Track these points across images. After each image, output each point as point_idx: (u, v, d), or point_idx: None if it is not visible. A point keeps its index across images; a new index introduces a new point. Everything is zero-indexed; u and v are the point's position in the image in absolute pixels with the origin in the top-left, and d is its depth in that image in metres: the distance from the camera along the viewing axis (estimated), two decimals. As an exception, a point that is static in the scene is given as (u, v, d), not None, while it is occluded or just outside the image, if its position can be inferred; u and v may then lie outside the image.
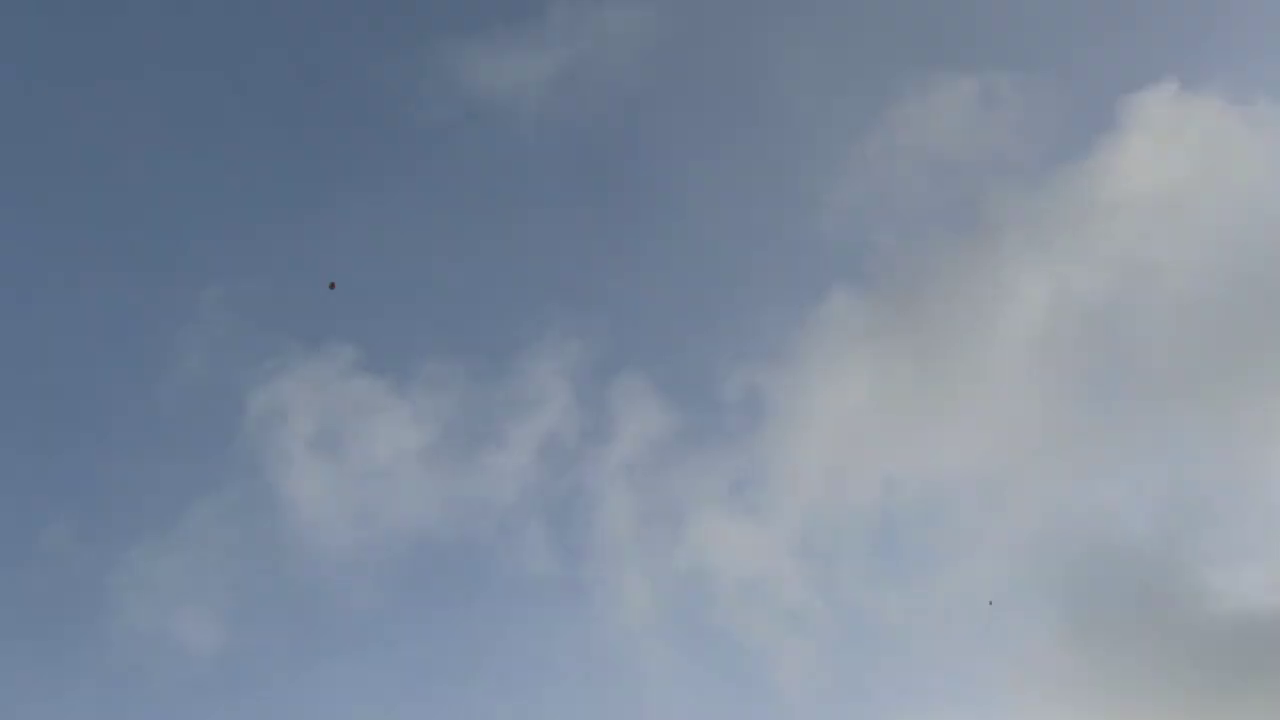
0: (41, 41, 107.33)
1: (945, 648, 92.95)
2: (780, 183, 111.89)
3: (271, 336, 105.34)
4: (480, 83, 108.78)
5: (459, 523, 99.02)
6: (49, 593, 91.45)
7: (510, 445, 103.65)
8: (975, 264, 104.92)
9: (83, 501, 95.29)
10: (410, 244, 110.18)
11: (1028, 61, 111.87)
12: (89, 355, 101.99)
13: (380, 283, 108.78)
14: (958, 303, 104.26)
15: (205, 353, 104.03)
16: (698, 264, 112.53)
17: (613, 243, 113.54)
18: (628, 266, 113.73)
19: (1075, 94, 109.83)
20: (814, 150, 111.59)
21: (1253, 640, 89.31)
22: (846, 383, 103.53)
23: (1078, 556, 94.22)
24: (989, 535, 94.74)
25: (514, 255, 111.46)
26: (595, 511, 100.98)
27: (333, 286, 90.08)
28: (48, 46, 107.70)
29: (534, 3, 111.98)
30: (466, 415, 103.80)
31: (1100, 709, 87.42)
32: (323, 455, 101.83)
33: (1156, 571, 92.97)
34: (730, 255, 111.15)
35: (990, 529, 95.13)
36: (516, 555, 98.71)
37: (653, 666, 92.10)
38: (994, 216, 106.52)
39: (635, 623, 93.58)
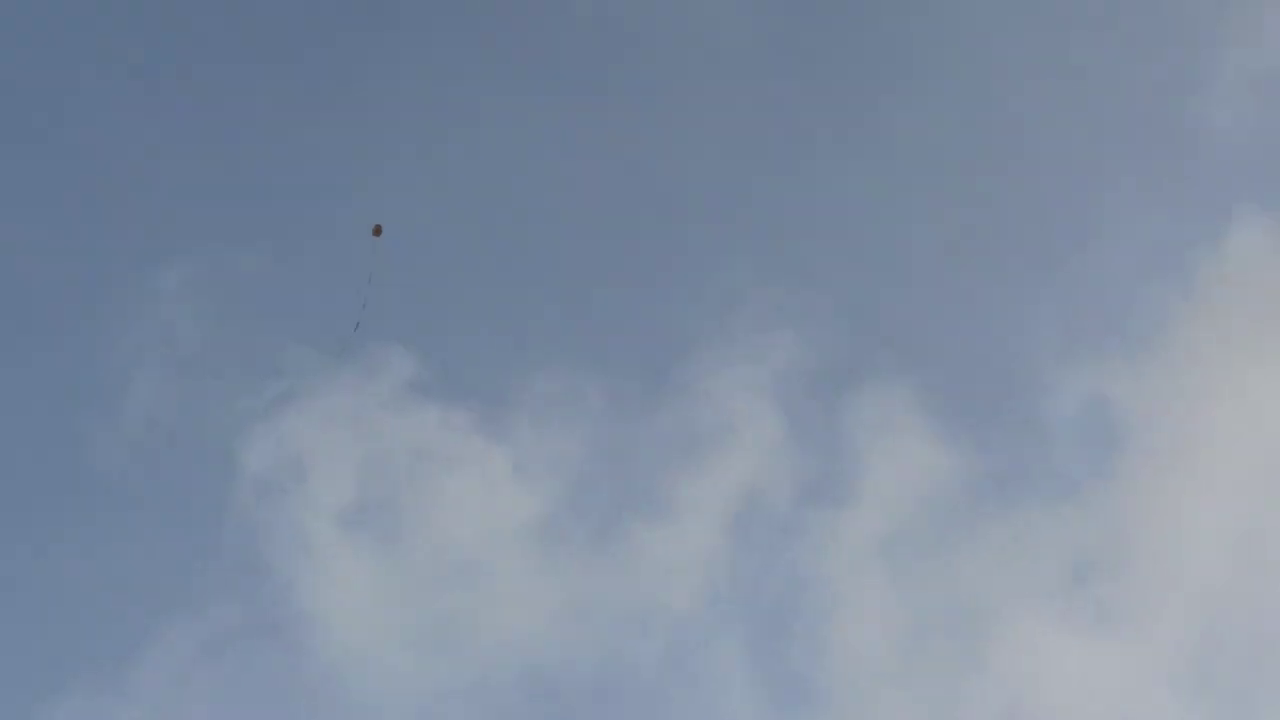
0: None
1: None
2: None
3: (272, 339, 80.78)
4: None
5: (597, 648, 73.87)
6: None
7: (681, 513, 77.33)
8: None
9: None
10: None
11: None
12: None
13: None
14: None
15: (168, 369, 79.55)
16: (984, 188, 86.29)
17: (832, 164, 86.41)
18: (861, 210, 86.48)
19: None
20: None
21: None
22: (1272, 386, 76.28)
23: None
24: None
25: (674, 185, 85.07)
26: (829, 619, 75.53)
27: (378, 232, 66.43)
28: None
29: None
30: (604, 465, 78.35)
31: None
32: (365, 538, 76.73)
33: None
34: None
35: None
36: (698, 698, 73.20)
37: None
38: None
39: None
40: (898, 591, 77.27)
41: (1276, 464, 76.92)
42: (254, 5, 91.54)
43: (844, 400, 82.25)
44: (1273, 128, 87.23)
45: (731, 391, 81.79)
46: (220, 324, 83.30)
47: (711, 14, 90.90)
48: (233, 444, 78.65)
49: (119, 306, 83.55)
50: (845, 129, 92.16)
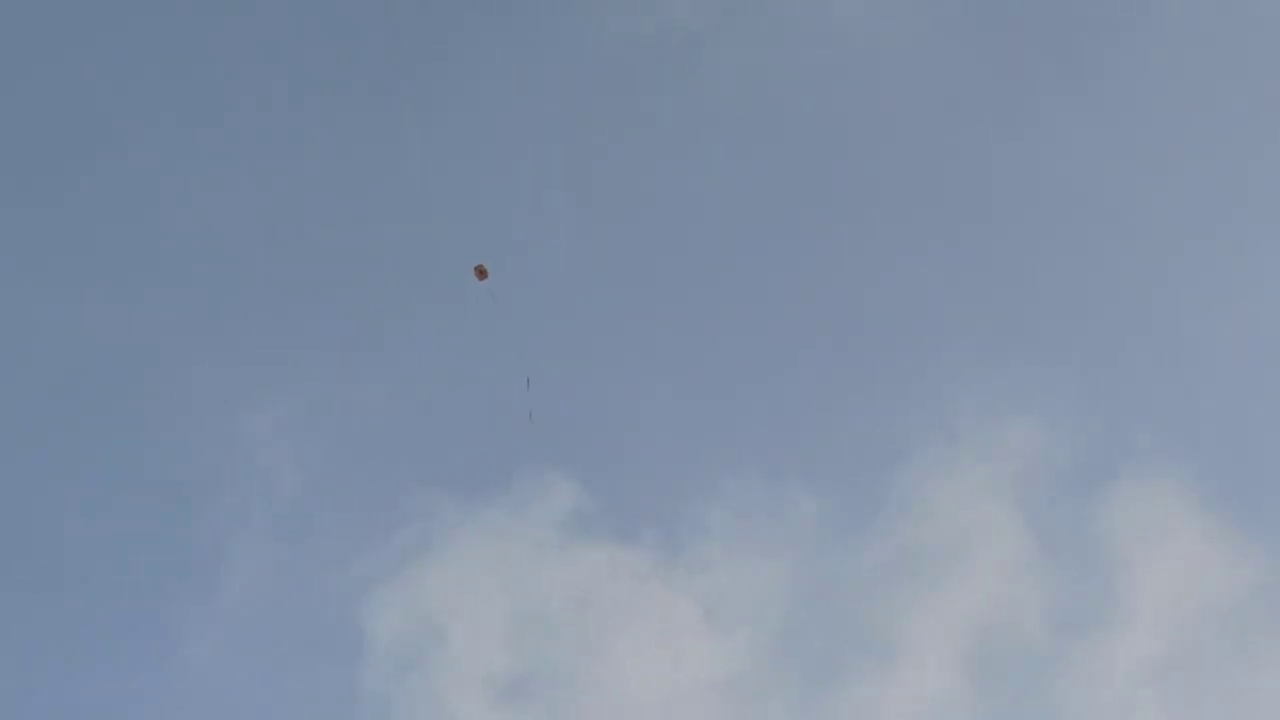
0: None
1: None
2: None
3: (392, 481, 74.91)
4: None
5: None
6: None
7: (910, 654, 70.35)
8: None
9: None
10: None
11: None
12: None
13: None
14: None
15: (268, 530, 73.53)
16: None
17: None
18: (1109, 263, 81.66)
19: None
20: None
21: None
22: None
23: None
24: None
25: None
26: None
27: (483, 275, 63.06)
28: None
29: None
30: (813, 602, 72.30)
31: None
32: (524, 712, 69.97)
33: None
34: None
35: None
36: None
37: None
38: None
39: None
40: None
41: None
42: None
43: (1102, 500, 74.82)
44: None
45: (962, 499, 75.09)
46: (326, 470, 77.82)
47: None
48: (354, 613, 71.48)
49: (205, 467, 77.27)
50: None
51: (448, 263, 75.65)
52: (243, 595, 73.59)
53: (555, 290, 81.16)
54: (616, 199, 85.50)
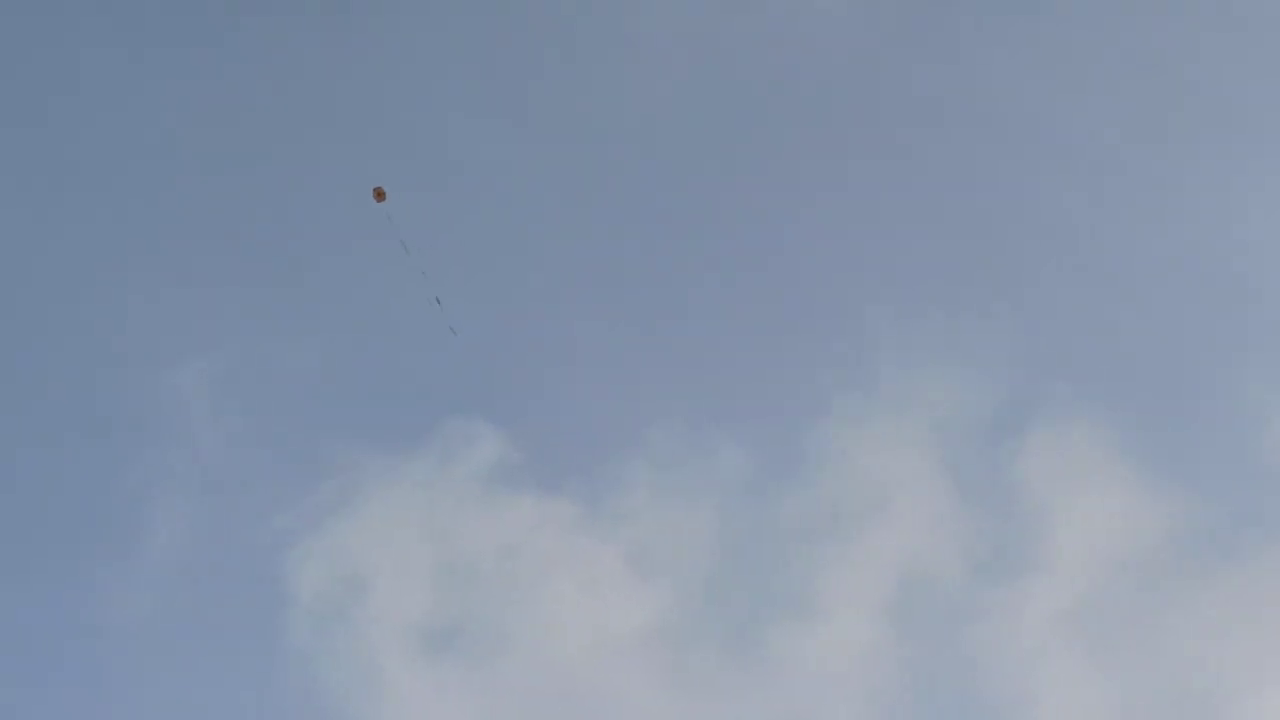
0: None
1: None
2: None
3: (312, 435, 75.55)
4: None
5: None
6: None
7: (831, 606, 71.96)
8: None
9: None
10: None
11: None
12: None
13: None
14: None
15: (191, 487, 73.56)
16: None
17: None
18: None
19: None
20: None
21: None
22: None
23: None
24: None
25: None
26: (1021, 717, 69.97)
27: (381, 196, 62.76)
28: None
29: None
30: (735, 554, 74.27)
31: None
32: (448, 661, 70.84)
33: None
34: None
35: None
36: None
37: None
38: None
39: None
40: (1102, 675, 71.42)
41: None
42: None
43: (1020, 449, 75.24)
44: None
45: (882, 450, 75.06)
46: (248, 424, 77.19)
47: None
48: (278, 566, 71.67)
49: (127, 417, 76.86)
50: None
51: (369, 216, 75.95)
52: (165, 548, 73.58)
53: (478, 239, 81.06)
54: (544, 142, 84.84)
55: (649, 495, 75.40)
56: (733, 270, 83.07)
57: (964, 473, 75.96)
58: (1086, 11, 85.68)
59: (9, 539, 74.45)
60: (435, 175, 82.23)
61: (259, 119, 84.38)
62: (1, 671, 70.64)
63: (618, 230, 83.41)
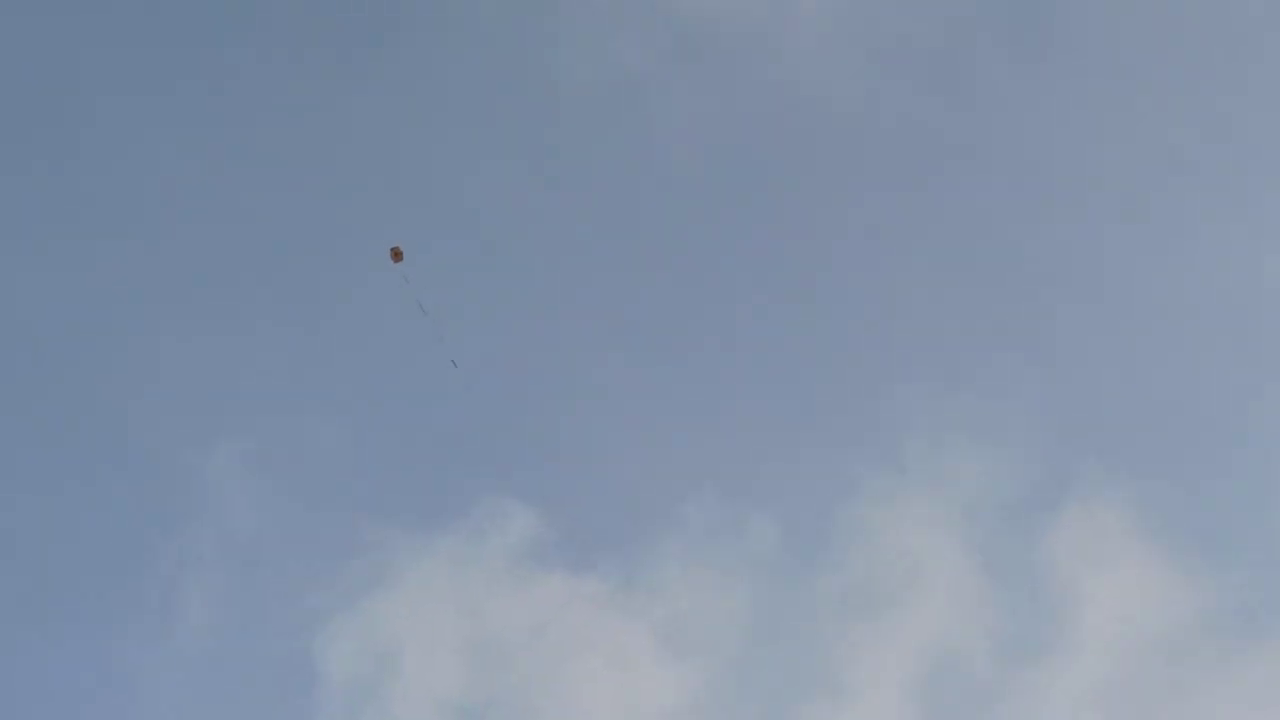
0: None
1: None
2: None
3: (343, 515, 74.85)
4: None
5: None
6: None
7: (860, 687, 71.13)
8: None
9: None
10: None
11: None
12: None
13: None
14: None
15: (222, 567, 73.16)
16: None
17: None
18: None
19: None
20: None
21: None
22: None
23: None
24: None
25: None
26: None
27: (398, 256, 62.79)
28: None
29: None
30: (765, 636, 74.29)
31: None
32: None
33: None
34: None
35: None
36: None
37: None
38: None
39: None
40: (1132, 755, 70.24)
41: None
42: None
43: (1048, 529, 74.57)
44: None
45: (911, 529, 74.64)
46: (279, 504, 76.71)
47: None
48: (309, 646, 71.21)
49: (158, 499, 76.45)
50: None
51: (400, 294, 75.86)
52: (197, 630, 72.40)
53: (509, 315, 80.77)
54: (573, 227, 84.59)
55: (680, 572, 74.44)
56: (764, 348, 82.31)
57: (993, 552, 75.03)
58: (1111, 57, 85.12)
59: (40, 622, 73.50)
60: (456, 232, 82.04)
61: (281, 201, 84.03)
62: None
63: (651, 306, 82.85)
